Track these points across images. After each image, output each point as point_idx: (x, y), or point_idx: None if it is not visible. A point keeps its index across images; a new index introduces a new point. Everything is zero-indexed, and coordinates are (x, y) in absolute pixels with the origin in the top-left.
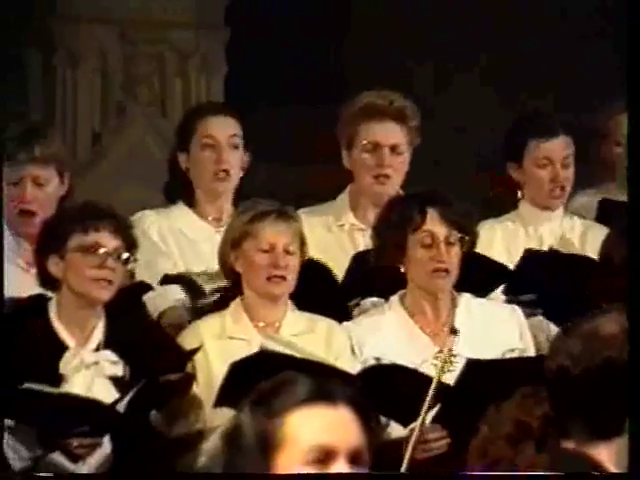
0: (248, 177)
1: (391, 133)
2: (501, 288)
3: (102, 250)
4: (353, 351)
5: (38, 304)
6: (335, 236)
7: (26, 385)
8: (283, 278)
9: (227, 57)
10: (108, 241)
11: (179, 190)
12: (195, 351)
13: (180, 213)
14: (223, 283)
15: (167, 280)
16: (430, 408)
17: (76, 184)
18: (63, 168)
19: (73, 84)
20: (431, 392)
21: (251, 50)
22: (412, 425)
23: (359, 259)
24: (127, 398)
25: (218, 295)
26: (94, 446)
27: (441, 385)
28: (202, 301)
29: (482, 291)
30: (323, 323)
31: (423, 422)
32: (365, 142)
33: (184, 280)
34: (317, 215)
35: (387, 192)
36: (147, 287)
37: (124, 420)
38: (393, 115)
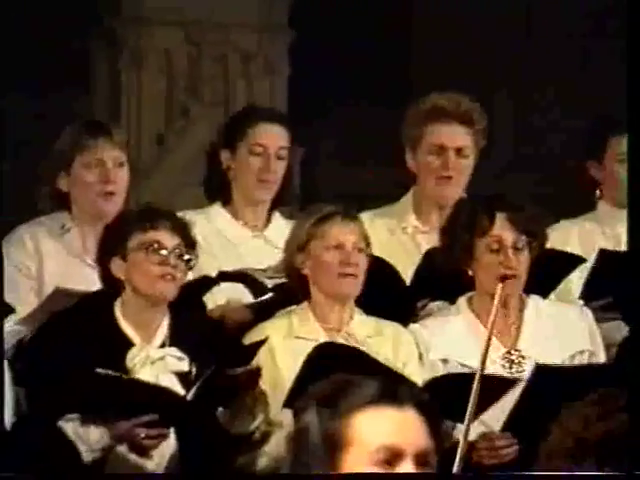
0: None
1: (457, 135)
2: (578, 293)
3: (162, 248)
4: (421, 357)
5: (104, 299)
6: (398, 239)
7: (97, 370)
8: (354, 276)
9: (290, 58)
10: (167, 239)
11: (218, 187)
12: (261, 343)
13: (218, 214)
14: (279, 275)
15: (224, 277)
16: (479, 408)
17: (140, 185)
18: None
19: (138, 86)
20: (474, 392)
21: (314, 51)
22: (482, 430)
23: (430, 257)
24: (194, 388)
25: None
26: (161, 437)
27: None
28: (261, 298)
29: (555, 282)
30: (390, 328)
31: (469, 423)
32: (430, 144)
33: (242, 276)
34: (380, 217)
35: (450, 195)
36: (211, 281)
37: (191, 410)
38: (459, 118)
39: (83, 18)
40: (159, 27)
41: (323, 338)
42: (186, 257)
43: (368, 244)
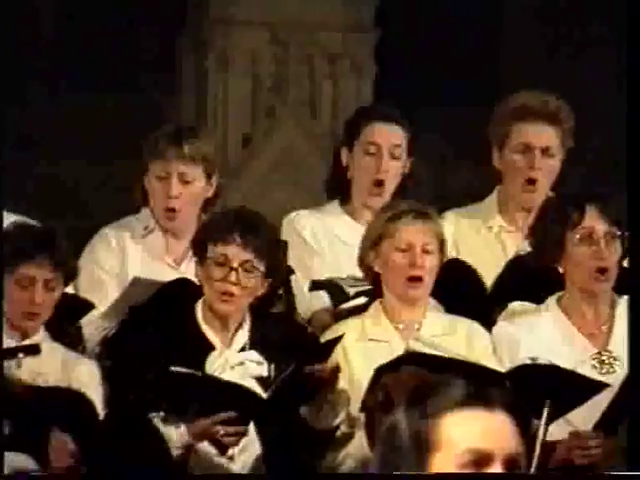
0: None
1: (544, 135)
2: None
3: (228, 265)
4: (495, 352)
5: (181, 289)
6: (484, 238)
7: (174, 368)
8: (420, 280)
9: (377, 59)
10: (236, 255)
11: (337, 186)
12: (337, 340)
13: (333, 213)
14: (368, 286)
15: (315, 286)
16: (565, 408)
17: (227, 186)
18: (211, 169)
19: (224, 87)
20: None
21: (401, 51)
22: (568, 428)
23: (516, 262)
24: (273, 385)
25: (363, 300)
26: (239, 435)
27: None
28: (345, 305)
29: None
30: (464, 324)
31: (547, 422)
32: (516, 143)
33: (331, 285)
34: (465, 217)
35: (536, 198)
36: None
37: (269, 407)
38: (547, 117)
39: (171, 20)
40: (245, 28)
41: (396, 339)
42: (259, 270)
43: (442, 245)
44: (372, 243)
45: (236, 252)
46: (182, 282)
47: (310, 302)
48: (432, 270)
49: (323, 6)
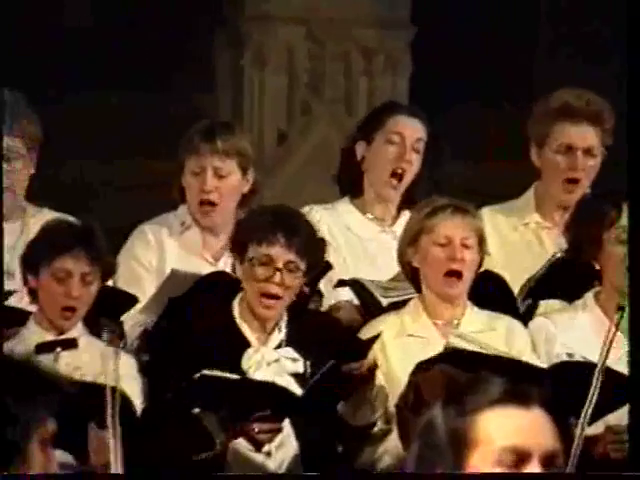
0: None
1: (586, 135)
2: None
3: (273, 265)
4: (534, 349)
5: (219, 282)
6: (521, 235)
7: (205, 372)
8: (459, 275)
9: (413, 55)
10: (280, 255)
11: (350, 180)
12: (375, 338)
13: (346, 210)
14: (395, 293)
15: (341, 284)
16: (605, 408)
17: (263, 183)
18: (247, 164)
19: (260, 83)
20: (594, 386)
21: (437, 47)
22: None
23: (554, 263)
24: (310, 383)
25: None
26: (275, 431)
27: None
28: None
29: None
30: (503, 321)
31: (585, 417)
32: (558, 143)
33: (357, 286)
34: (502, 214)
35: (576, 197)
36: (327, 267)
37: (306, 404)
38: (589, 117)
39: (207, 17)
40: (282, 24)
41: (434, 335)
42: (300, 271)
43: (482, 241)
44: (411, 239)
45: (280, 253)
46: (220, 275)
47: (335, 299)
48: (471, 265)
49: (359, 2)
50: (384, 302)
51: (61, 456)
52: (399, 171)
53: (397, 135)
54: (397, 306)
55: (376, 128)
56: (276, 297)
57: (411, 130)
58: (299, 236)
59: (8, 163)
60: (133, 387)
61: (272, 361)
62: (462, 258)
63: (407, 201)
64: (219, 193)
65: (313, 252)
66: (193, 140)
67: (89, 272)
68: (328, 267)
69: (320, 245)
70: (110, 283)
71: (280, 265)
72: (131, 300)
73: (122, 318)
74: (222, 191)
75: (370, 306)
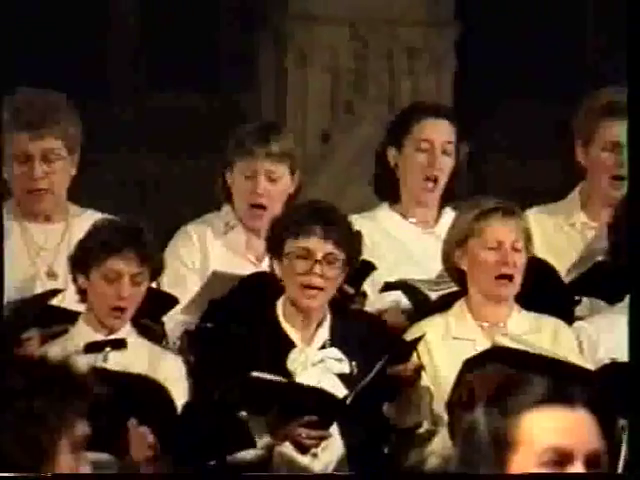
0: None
1: None
2: None
3: (312, 257)
4: (581, 351)
5: (261, 282)
6: (566, 235)
7: (255, 373)
8: (510, 278)
9: (457, 54)
10: (318, 247)
11: (387, 185)
12: (419, 339)
13: (386, 216)
14: (444, 286)
15: (388, 287)
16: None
17: (306, 183)
18: (295, 165)
19: (303, 83)
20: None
21: (481, 45)
22: None
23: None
24: (356, 390)
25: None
26: (321, 438)
27: None
28: (424, 307)
29: None
30: (549, 322)
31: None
32: (605, 140)
33: (405, 286)
34: (547, 214)
35: (623, 193)
36: (370, 267)
37: (353, 412)
38: None
39: (251, 16)
40: (325, 24)
41: (480, 338)
42: (341, 257)
43: (529, 242)
44: (458, 241)
45: (318, 245)
46: (262, 275)
47: (381, 302)
48: (521, 267)
49: (403, 1)
50: (433, 295)
51: (98, 456)
52: (432, 177)
53: (425, 142)
54: (446, 301)
55: (404, 134)
56: (318, 288)
57: (439, 134)
58: (336, 228)
59: (48, 164)
60: (179, 388)
61: (317, 362)
62: (513, 262)
63: (447, 198)
64: (269, 197)
65: (350, 243)
66: (245, 142)
67: (139, 272)
68: (371, 267)
69: (357, 237)
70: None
71: (319, 257)
72: (172, 301)
73: (163, 319)
74: (272, 195)
75: (419, 302)
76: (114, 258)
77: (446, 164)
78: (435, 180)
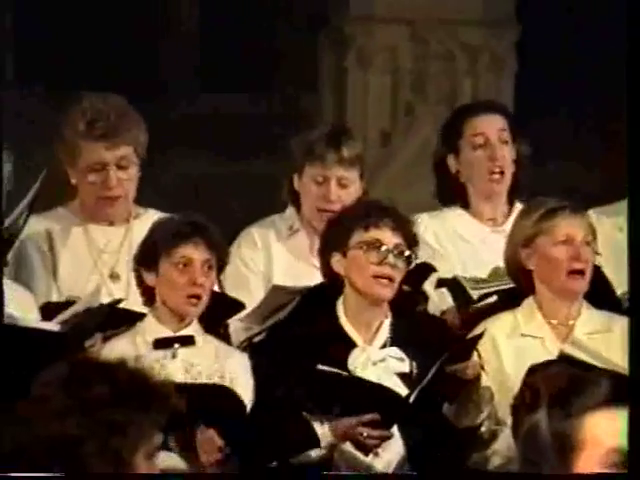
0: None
1: None
2: None
3: (383, 247)
4: None
5: (324, 294)
6: (625, 236)
7: (321, 367)
8: (582, 273)
9: (518, 55)
10: (389, 238)
11: (452, 193)
12: (479, 337)
13: (454, 215)
14: (492, 288)
15: (441, 284)
16: None
17: (366, 183)
18: (364, 169)
19: (364, 84)
20: None
21: (542, 47)
22: None
23: None
24: (418, 389)
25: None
26: (383, 438)
27: None
28: (473, 306)
29: None
30: (620, 322)
31: None
32: None
33: (453, 283)
34: (607, 215)
35: None
36: (430, 269)
37: (414, 411)
38: None
39: (312, 17)
40: (386, 25)
41: (549, 336)
42: (407, 253)
43: (594, 240)
44: (525, 241)
45: (389, 235)
46: (323, 287)
47: (438, 302)
48: (591, 264)
49: (463, 2)
50: (475, 295)
51: (167, 459)
52: (496, 170)
53: (480, 137)
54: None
55: (457, 138)
56: (389, 278)
57: (490, 125)
58: (400, 220)
59: (122, 171)
60: (245, 386)
61: (378, 360)
62: (585, 257)
63: (513, 195)
64: (340, 202)
65: (410, 234)
66: (316, 148)
67: (208, 259)
68: (431, 269)
69: (413, 228)
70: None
71: (391, 247)
72: (237, 306)
73: (228, 321)
74: (343, 200)
75: (461, 301)
76: (184, 245)
77: (507, 153)
78: (501, 172)
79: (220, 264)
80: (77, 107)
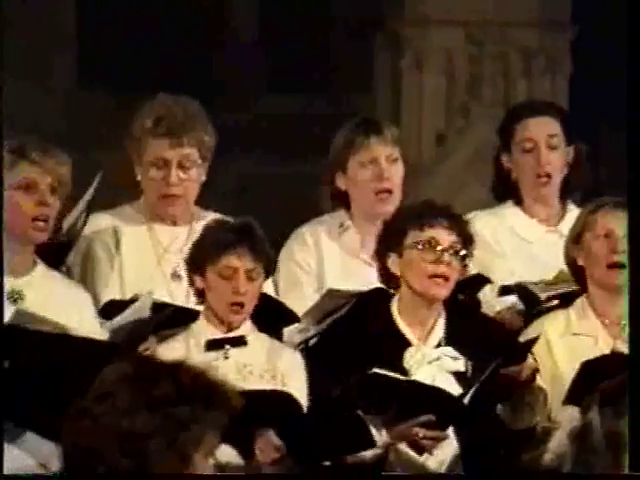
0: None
1: None
2: None
3: (439, 246)
4: None
5: (379, 297)
6: None
7: (375, 370)
8: (622, 266)
9: (573, 56)
10: (444, 237)
11: (506, 190)
12: (534, 341)
13: (511, 212)
14: (558, 291)
15: (505, 291)
16: None
17: (421, 184)
18: (404, 154)
19: (419, 85)
20: None
21: (598, 49)
22: None
23: None
24: (472, 391)
25: (555, 302)
26: (439, 439)
27: None
28: (537, 308)
29: None
30: None
31: None
32: None
33: (521, 289)
34: None
35: None
36: (485, 280)
37: (469, 412)
38: None
39: (367, 20)
40: (441, 27)
41: (601, 334)
42: (462, 253)
43: None
44: (575, 237)
45: (444, 235)
46: (378, 291)
47: (493, 303)
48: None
49: (518, 3)
50: (542, 296)
51: (229, 454)
52: (543, 174)
53: (529, 142)
54: (558, 300)
55: (510, 138)
56: (445, 277)
57: (540, 130)
58: (455, 219)
59: (183, 171)
60: (297, 384)
61: (433, 359)
62: (623, 250)
63: (566, 196)
64: (393, 181)
65: (466, 235)
66: (355, 137)
67: (253, 268)
68: (485, 280)
69: (469, 228)
70: (270, 289)
71: (446, 246)
72: (292, 318)
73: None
74: (395, 179)
75: (531, 304)
76: (228, 255)
77: (555, 158)
78: (548, 176)
79: (266, 272)
80: (148, 105)
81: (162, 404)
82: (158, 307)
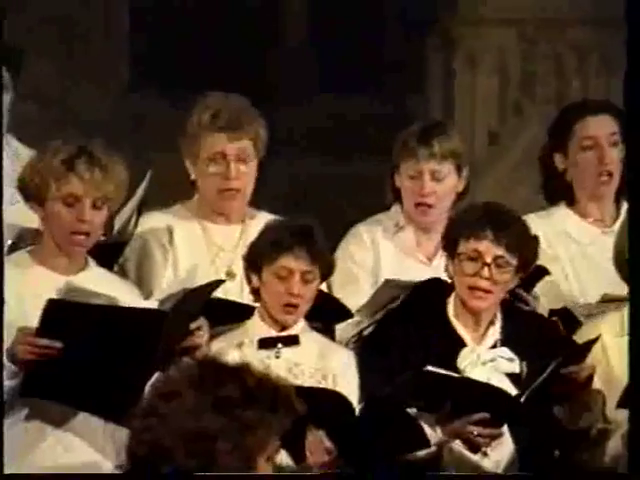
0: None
1: None
2: None
3: (480, 260)
4: None
5: (434, 288)
6: None
7: (429, 368)
8: None
9: (628, 54)
10: (488, 250)
11: (558, 190)
12: (594, 341)
13: (562, 214)
14: (600, 310)
15: (552, 314)
16: None
17: (473, 183)
18: (462, 164)
19: (472, 85)
20: None
21: None
22: None
23: None
24: (529, 390)
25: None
26: (493, 437)
27: None
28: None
29: None
30: None
31: None
32: None
33: (566, 313)
34: None
35: None
36: (544, 272)
37: (525, 411)
38: None
39: (420, 18)
40: (494, 26)
41: None
42: (510, 266)
43: None
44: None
45: (489, 247)
46: (434, 282)
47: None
48: None
49: (572, 1)
50: (583, 319)
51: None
52: (605, 172)
53: (590, 140)
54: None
55: (567, 137)
56: (485, 291)
57: (602, 129)
58: (509, 231)
59: (244, 164)
60: (349, 384)
61: (488, 360)
62: None
63: (621, 197)
64: (436, 196)
65: (525, 248)
66: (409, 143)
67: (309, 270)
68: (544, 272)
69: (533, 242)
70: (323, 285)
71: (489, 260)
72: (345, 314)
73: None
74: (439, 194)
75: (571, 327)
76: (285, 256)
77: (616, 156)
78: (609, 174)
79: (323, 275)
80: (201, 102)
81: (228, 406)
82: (213, 305)
